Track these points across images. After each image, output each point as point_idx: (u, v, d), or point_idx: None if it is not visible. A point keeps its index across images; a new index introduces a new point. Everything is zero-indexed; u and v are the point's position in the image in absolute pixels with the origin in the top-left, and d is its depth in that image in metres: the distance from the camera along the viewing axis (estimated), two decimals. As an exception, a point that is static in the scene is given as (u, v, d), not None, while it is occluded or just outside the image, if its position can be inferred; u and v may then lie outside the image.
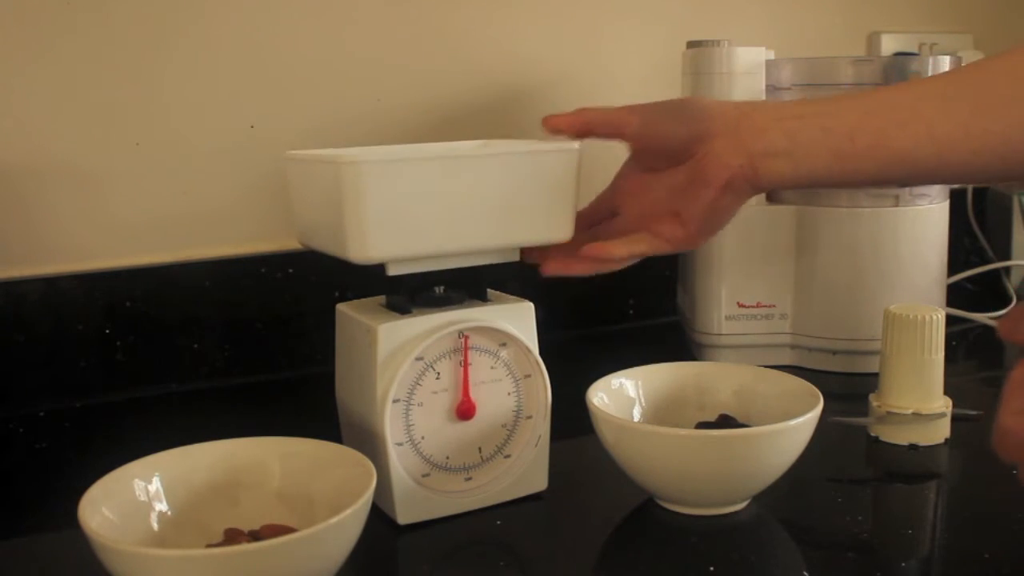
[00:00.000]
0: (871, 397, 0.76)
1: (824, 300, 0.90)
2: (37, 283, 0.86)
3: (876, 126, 0.58)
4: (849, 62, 0.89)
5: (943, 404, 0.74)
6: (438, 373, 0.61)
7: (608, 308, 1.09)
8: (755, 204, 0.84)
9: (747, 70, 0.88)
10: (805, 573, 0.56)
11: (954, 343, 1.00)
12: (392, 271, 0.60)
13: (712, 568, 0.56)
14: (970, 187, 1.24)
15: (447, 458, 0.62)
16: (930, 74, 0.86)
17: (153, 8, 0.88)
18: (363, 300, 0.66)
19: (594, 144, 0.63)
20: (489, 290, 0.66)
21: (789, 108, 0.61)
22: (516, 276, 0.72)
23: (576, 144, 0.62)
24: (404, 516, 0.61)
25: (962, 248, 1.24)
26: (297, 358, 0.94)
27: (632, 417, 0.68)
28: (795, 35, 1.16)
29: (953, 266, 1.02)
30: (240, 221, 0.94)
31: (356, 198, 0.56)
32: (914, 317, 0.73)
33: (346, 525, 0.49)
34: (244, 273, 0.92)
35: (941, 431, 0.74)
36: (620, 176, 0.68)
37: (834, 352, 0.91)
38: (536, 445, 0.65)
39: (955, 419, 0.74)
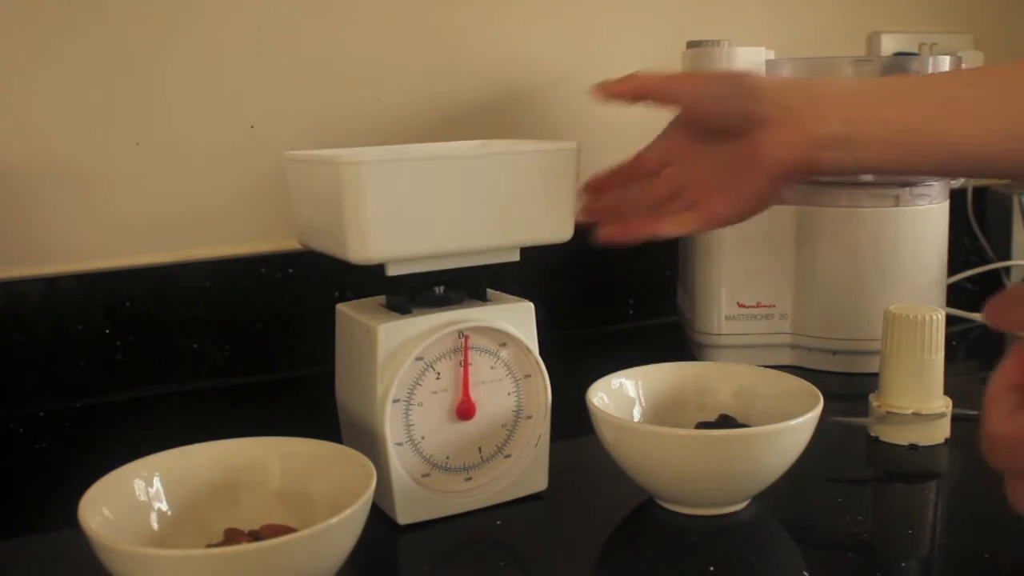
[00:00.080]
0: (871, 397, 0.76)
1: (824, 300, 0.90)
2: (37, 283, 0.86)
3: (937, 122, 0.55)
4: (849, 62, 0.89)
5: (943, 404, 0.74)
6: (438, 373, 0.61)
7: (608, 308, 1.09)
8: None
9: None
10: (805, 573, 0.56)
11: (954, 343, 1.00)
12: (392, 271, 0.60)
13: (712, 568, 0.56)
14: (970, 187, 1.24)
15: (447, 458, 0.62)
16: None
17: (153, 8, 0.88)
18: (363, 300, 0.66)
19: (594, 144, 0.63)
20: (489, 290, 0.66)
21: (848, 94, 0.58)
22: (516, 276, 0.72)
23: (574, 144, 0.62)
24: (404, 516, 0.61)
25: (962, 248, 1.24)
26: (297, 358, 0.94)
27: (632, 417, 0.68)
28: (795, 35, 1.16)
29: (953, 266, 1.01)
30: (240, 221, 0.94)
31: (356, 198, 0.56)
32: (914, 317, 0.73)
33: (346, 525, 0.49)
34: (244, 273, 0.92)
35: (941, 431, 0.74)
36: (665, 136, 0.65)
37: (834, 352, 0.91)
38: (536, 445, 0.65)
39: (955, 419, 0.74)
